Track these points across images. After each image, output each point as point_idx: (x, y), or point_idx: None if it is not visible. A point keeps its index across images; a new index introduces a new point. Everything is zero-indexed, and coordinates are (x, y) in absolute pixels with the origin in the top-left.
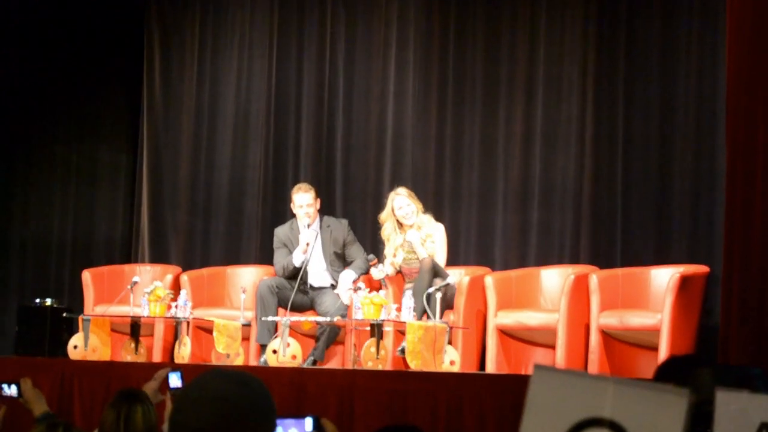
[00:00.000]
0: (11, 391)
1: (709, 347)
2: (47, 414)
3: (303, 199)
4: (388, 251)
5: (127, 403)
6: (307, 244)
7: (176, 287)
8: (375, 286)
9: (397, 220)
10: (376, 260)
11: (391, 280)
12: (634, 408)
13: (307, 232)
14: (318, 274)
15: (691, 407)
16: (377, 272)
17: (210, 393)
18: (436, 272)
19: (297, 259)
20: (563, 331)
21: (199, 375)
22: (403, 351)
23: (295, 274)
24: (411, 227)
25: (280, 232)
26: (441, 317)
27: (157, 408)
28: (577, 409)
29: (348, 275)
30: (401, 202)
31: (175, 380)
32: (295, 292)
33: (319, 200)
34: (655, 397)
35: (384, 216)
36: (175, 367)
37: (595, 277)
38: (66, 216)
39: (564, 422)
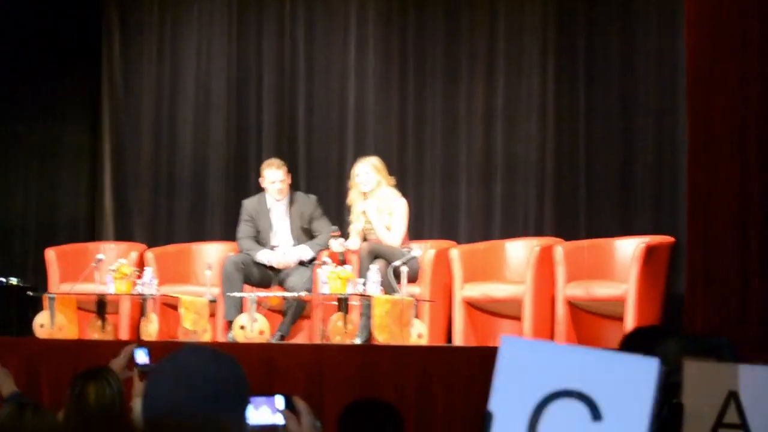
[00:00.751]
0: None
1: (674, 317)
2: (15, 393)
3: (275, 175)
4: (352, 217)
5: (81, 381)
6: (275, 263)
7: (141, 264)
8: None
9: None
10: (339, 232)
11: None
12: (603, 378)
13: (276, 254)
14: (285, 250)
15: (661, 377)
16: (336, 245)
17: (184, 368)
18: (376, 255)
19: (260, 258)
20: (529, 302)
21: (173, 351)
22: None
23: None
24: (370, 195)
25: (248, 205)
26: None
27: (125, 384)
28: (547, 381)
29: (302, 251)
30: (360, 170)
31: (141, 356)
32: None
33: (290, 175)
34: (624, 366)
35: (350, 182)
36: (142, 344)
37: (560, 249)
38: (29, 195)
39: (534, 394)
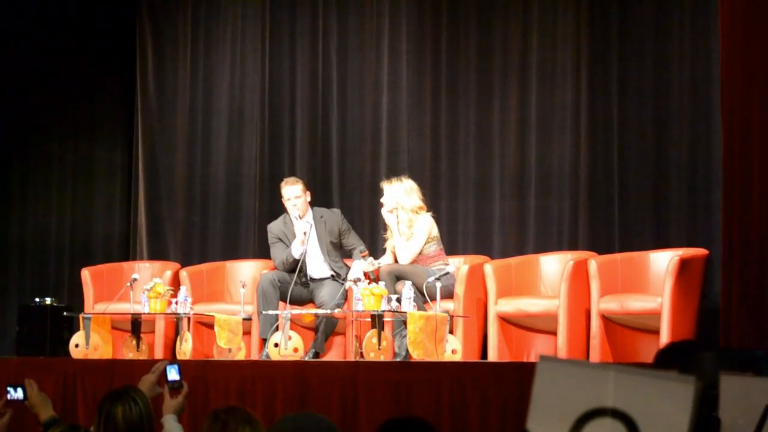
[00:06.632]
0: (17, 394)
1: (709, 330)
2: (53, 419)
3: (290, 192)
4: (387, 234)
5: (108, 403)
6: (305, 233)
7: (176, 283)
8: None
9: None
10: (366, 252)
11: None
12: (641, 397)
13: (300, 223)
14: (316, 266)
15: (698, 394)
16: (367, 265)
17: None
18: (398, 276)
19: (296, 251)
20: (564, 317)
21: (296, 415)
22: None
23: (295, 267)
24: (391, 213)
25: (274, 227)
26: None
27: (156, 401)
28: (584, 400)
29: (360, 266)
30: (385, 191)
31: (173, 374)
32: (293, 284)
33: (308, 192)
34: (662, 386)
35: None
36: (173, 361)
37: (594, 263)
38: (63, 214)
39: (571, 412)
